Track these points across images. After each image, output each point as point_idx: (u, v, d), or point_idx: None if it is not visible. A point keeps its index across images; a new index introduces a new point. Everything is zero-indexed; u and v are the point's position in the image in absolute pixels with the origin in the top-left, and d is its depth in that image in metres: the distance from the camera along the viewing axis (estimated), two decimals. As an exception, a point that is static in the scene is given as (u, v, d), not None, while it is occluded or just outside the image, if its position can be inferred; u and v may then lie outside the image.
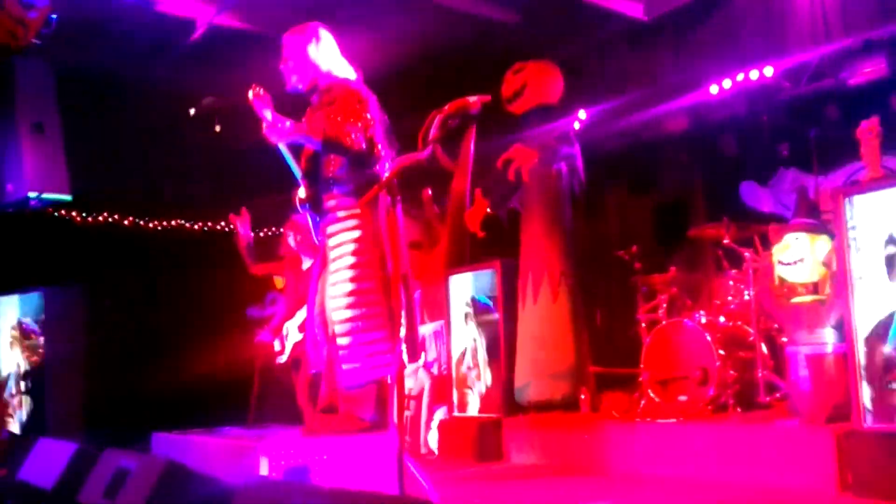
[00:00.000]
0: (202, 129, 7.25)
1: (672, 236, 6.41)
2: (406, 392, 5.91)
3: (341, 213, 3.81)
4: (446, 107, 2.98)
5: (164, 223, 8.94)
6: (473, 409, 5.84)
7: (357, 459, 3.55)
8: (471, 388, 5.89)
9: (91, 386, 7.45)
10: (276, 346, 5.86)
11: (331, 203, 3.84)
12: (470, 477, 4.87)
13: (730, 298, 5.29)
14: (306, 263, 5.70)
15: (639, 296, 5.63)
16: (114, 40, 6.07)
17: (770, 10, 5.74)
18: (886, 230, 3.63)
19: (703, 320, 5.10)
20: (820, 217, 4.76)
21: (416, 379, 6.07)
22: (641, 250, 5.68)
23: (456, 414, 5.91)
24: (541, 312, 5.55)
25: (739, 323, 5.17)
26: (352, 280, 3.71)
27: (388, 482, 3.28)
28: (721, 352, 4.86)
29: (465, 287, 6.04)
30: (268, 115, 3.71)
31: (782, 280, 4.34)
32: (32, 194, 5.40)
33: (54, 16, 5.09)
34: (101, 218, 8.58)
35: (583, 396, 5.35)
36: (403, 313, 3.27)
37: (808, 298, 4.21)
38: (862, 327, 3.67)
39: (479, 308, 5.94)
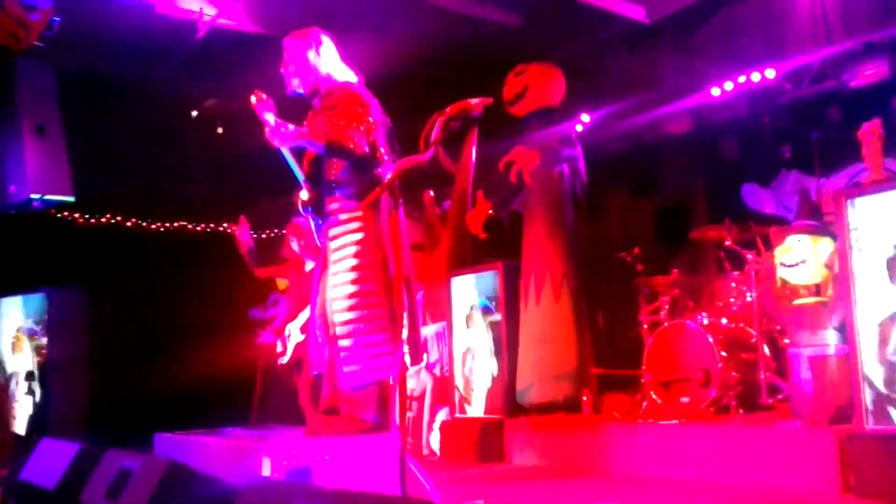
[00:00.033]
0: (204, 131, 7.27)
1: (674, 238, 6.42)
2: (408, 393, 5.91)
3: (343, 216, 3.82)
4: (448, 109, 2.99)
5: (166, 224, 8.96)
6: (478, 409, 5.83)
7: (359, 460, 3.56)
8: (473, 390, 5.89)
9: (93, 386, 7.45)
10: (279, 347, 5.87)
11: (333, 206, 3.85)
12: (471, 478, 4.87)
13: (732, 300, 5.29)
14: (309, 265, 5.70)
15: (641, 297, 5.63)
16: (116, 42, 6.08)
17: (771, 12, 5.74)
18: (889, 232, 3.63)
19: (706, 322, 5.10)
20: (822, 219, 4.76)
21: (418, 380, 6.07)
22: (643, 252, 5.68)
23: (458, 415, 5.92)
24: (543, 314, 5.55)
25: (741, 325, 5.18)
26: (354, 282, 3.72)
27: (390, 483, 3.28)
28: (723, 353, 4.86)
29: (467, 291, 6.03)
30: (270, 119, 3.72)
31: (784, 282, 4.34)
32: (35, 196, 5.41)
33: (56, 18, 5.09)
34: (103, 219, 8.59)
35: (585, 398, 5.35)
36: (406, 315, 3.28)
37: (811, 300, 4.22)
38: (864, 329, 3.67)
39: (482, 311, 5.94)
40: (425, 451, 5.90)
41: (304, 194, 3.87)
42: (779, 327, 4.87)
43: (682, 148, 6.85)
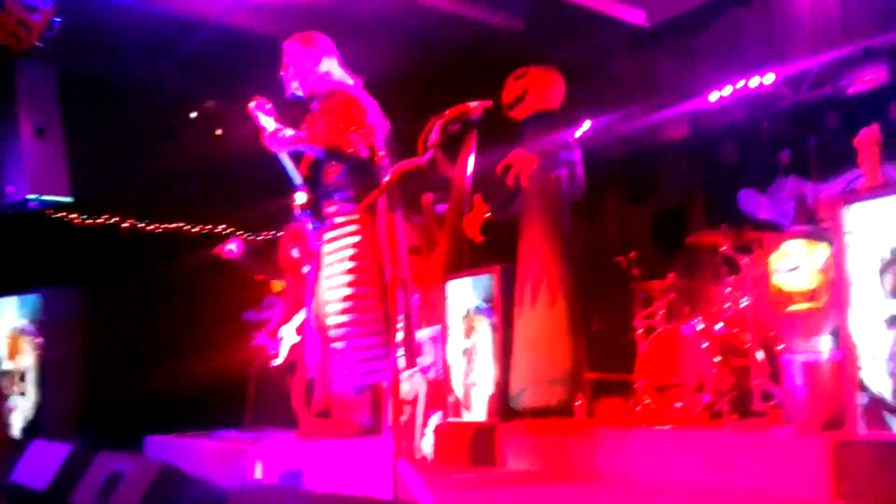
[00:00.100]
0: (203, 132, 7.27)
1: (671, 243, 6.41)
2: (402, 397, 5.91)
3: (340, 219, 3.82)
4: (447, 112, 2.99)
5: (164, 226, 8.95)
6: (480, 415, 5.81)
7: (352, 464, 3.56)
8: (473, 397, 5.88)
9: (87, 388, 7.45)
10: (272, 349, 5.86)
11: (331, 209, 3.86)
12: (464, 482, 4.86)
13: (727, 306, 5.28)
14: (306, 268, 5.70)
15: (636, 302, 5.63)
16: (116, 43, 6.09)
17: (770, 17, 5.75)
18: (885, 239, 3.62)
19: (700, 327, 5.10)
20: (818, 225, 4.76)
21: (411, 384, 6.06)
22: (640, 256, 5.68)
23: (451, 419, 5.91)
24: (538, 317, 5.54)
25: (736, 330, 5.17)
26: (349, 285, 3.73)
27: (383, 487, 3.28)
28: (717, 359, 4.86)
29: (465, 294, 6.03)
30: (268, 124, 3.72)
31: (779, 288, 4.34)
32: (32, 196, 5.42)
33: (57, 18, 5.11)
34: (100, 220, 8.59)
35: (579, 402, 5.34)
36: (401, 318, 3.29)
37: (805, 306, 4.22)
38: (858, 336, 3.66)
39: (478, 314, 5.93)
40: (418, 455, 5.89)
41: (300, 197, 3.88)
42: (773, 333, 4.87)
43: (680, 152, 6.85)
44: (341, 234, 3.80)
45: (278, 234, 6.95)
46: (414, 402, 6.01)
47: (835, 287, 3.88)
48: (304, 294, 4.43)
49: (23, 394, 7.27)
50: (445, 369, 6.04)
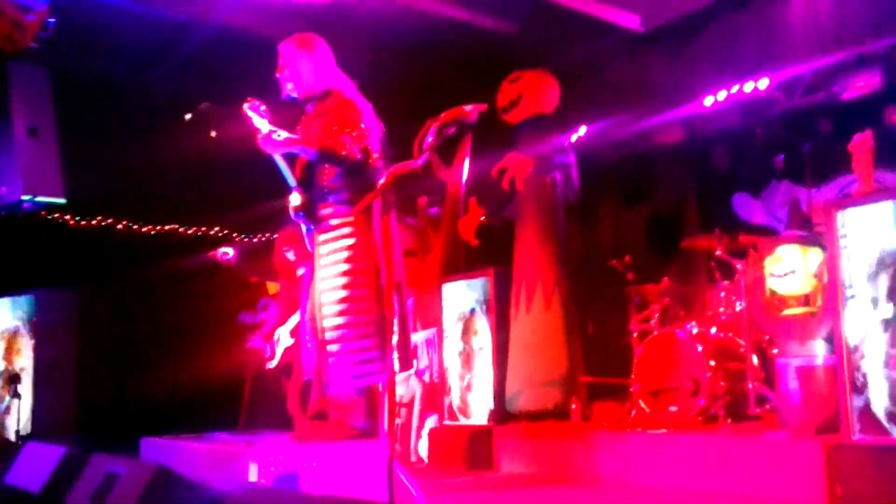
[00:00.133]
0: (197, 134, 7.26)
1: (665, 247, 6.43)
2: (397, 400, 5.90)
3: (335, 221, 3.82)
4: (442, 115, 2.99)
5: (158, 227, 8.93)
6: (481, 419, 5.79)
7: (347, 467, 3.55)
8: (470, 404, 5.87)
9: (81, 390, 7.42)
10: (267, 351, 5.85)
11: (325, 211, 3.85)
12: (460, 486, 4.86)
13: (721, 310, 5.31)
14: (301, 270, 5.69)
15: (631, 306, 5.64)
16: (110, 45, 6.08)
17: (765, 23, 5.76)
18: (877, 244, 3.64)
19: (695, 331, 5.11)
20: (812, 229, 4.78)
21: (407, 387, 6.06)
22: (634, 261, 5.69)
23: (447, 422, 5.91)
24: (533, 321, 5.55)
25: (731, 334, 5.19)
26: (345, 287, 3.72)
27: (378, 490, 3.28)
28: (712, 363, 4.87)
29: (459, 297, 6.02)
30: (262, 126, 3.72)
31: (774, 292, 4.35)
32: (26, 197, 5.40)
33: (51, 19, 5.09)
34: (94, 221, 8.57)
35: (574, 406, 5.35)
36: (396, 321, 3.28)
37: (799, 310, 4.23)
38: (852, 340, 3.68)
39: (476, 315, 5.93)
40: (413, 459, 5.88)
41: (295, 199, 3.87)
42: (768, 337, 4.89)
43: (675, 157, 6.87)
44: (336, 237, 3.80)
45: (273, 237, 6.94)
46: (410, 405, 6.01)
47: (829, 291, 3.90)
48: (298, 296, 4.42)
49: (17, 395, 7.24)
50: (441, 372, 6.04)
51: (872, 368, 3.59)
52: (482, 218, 6.07)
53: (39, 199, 5.47)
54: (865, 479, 3.59)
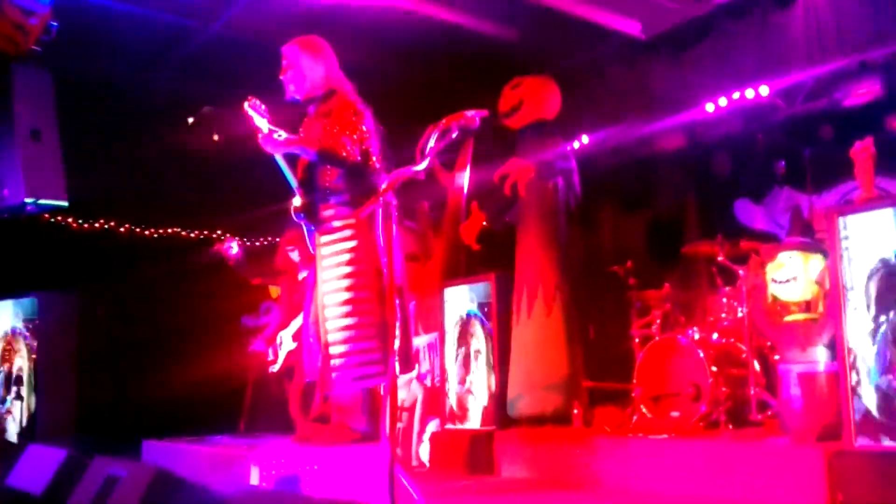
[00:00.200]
0: (200, 137, 7.27)
1: (666, 253, 6.43)
2: (399, 404, 5.90)
3: (337, 223, 3.82)
4: (444, 120, 3.00)
5: (160, 230, 8.94)
6: (474, 421, 5.80)
7: (348, 470, 3.55)
8: (469, 408, 5.87)
9: (82, 392, 7.42)
10: (270, 355, 5.85)
11: (327, 213, 3.86)
12: (461, 490, 4.86)
13: (723, 316, 5.31)
14: (302, 273, 5.70)
15: (633, 311, 5.64)
16: (113, 48, 6.09)
17: (766, 29, 5.77)
18: (879, 250, 3.65)
19: (697, 337, 5.11)
20: (814, 236, 4.78)
21: (408, 391, 6.06)
22: (636, 266, 5.70)
23: (448, 426, 5.90)
24: (535, 326, 5.55)
25: (732, 340, 5.19)
26: (348, 289, 3.73)
27: (379, 494, 3.27)
28: (714, 369, 4.87)
29: (461, 302, 6.03)
30: (263, 125, 3.73)
31: (775, 298, 4.35)
32: (29, 200, 5.40)
33: (54, 23, 5.10)
34: (96, 224, 8.58)
35: (575, 411, 5.34)
36: (398, 325, 3.28)
37: (801, 317, 4.23)
38: (854, 346, 3.68)
39: (473, 319, 5.93)
40: (415, 463, 5.88)
41: (297, 200, 3.88)
42: (769, 343, 4.89)
43: (676, 163, 6.88)
44: (339, 239, 3.81)
45: (274, 240, 6.94)
46: (411, 409, 6.01)
47: (830, 298, 3.90)
48: (300, 300, 4.42)
49: (19, 397, 7.24)
50: (442, 376, 6.04)
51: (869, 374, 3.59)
52: (484, 223, 6.08)
53: (42, 201, 5.47)
54: (866, 485, 3.59)
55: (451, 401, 5.95)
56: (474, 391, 5.81)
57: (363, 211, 3.67)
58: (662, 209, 7.05)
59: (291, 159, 3.90)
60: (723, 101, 6.02)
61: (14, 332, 7.59)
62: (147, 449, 4.54)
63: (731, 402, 4.86)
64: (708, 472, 4.26)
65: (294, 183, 3.89)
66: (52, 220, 7.99)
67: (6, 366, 7.58)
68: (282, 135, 3.75)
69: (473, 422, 5.78)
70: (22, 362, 7.46)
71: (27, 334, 7.46)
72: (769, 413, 4.75)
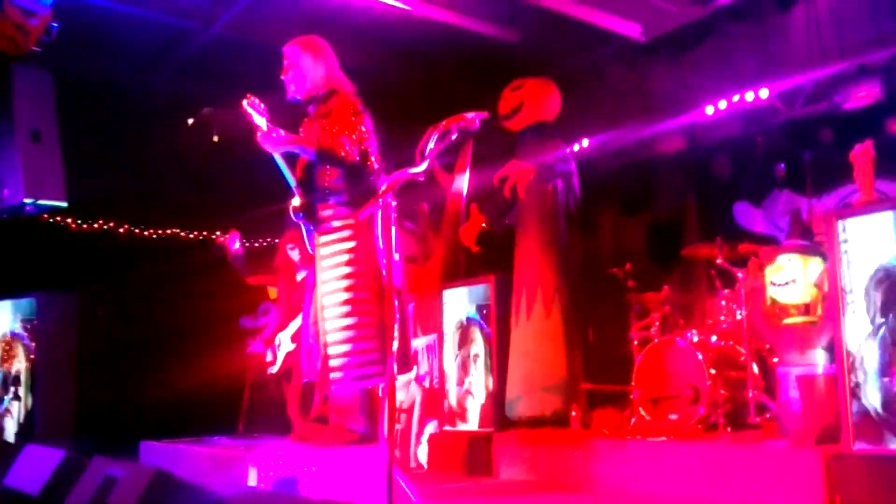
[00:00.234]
0: (199, 138, 7.27)
1: (666, 255, 6.44)
2: (397, 405, 5.90)
3: (336, 223, 3.82)
4: (444, 122, 3.00)
5: (159, 231, 8.95)
6: (473, 422, 5.80)
7: (346, 472, 3.55)
8: (468, 409, 5.86)
9: (81, 392, 7.42)
10: (268, 356, 5.85)
11: (326, 213, 3.86)
12: (459, 492, 4.86)
13: (722, 318, 5.31)
14: (300, 275, 5.70)
15: (632, 314, 5.64)
16: (113, 49, 6.10)
17: (766, 32, 5.79)
18: (878, 254, 3.65)
19: (695, 339, 5.11)
20: (813, 239, 4.78)
21: (407, 392, 6.05)
22: (635, 268, 5.70)
23: (447, 427, 5.90)
24: (533, 328, 5.55)
25: (731, 343, 5.19)
26: (347, 290, 3.73)
27: (377, 495, 3.27)
28: (712, 371, 4.87)
29: (460, 303, 6.03)
30: (262, 124, 3.73)
31: (774, 301, 4.35)
32: (28, 200, 5.41)
33: (55, 24, 5.10)
34: (95, 225, 8.58)
35: (574, 413, 5.34)
36: (396, 326, 3.28)
37: (800, 319, 4.23)
38: (852, 349, 3.68)
39: (472, 324, 5.93)
40: (413, 464, 5.88)
41: (296, 200, 3.88)
42: (768, 346, 4.89)
43: (676, 165, 6.88)
44: (338, 239, 3.81)
45: (273, 241, 6.94)
46: (409, 410, 6.00)
47: (829, 301, 3.90)
48: (299, 301, 4.42)
49: (17, 398, 7.24)
50: (441, 378, 6.04)
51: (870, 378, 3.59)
52: (483, 224, 6.08)
53: (41, 202, 5.48)
54: (865, 488, 3.58)
55: (450, 402, 5.95)
56: (473, 392, 5.81)
57: (362, 212, 3.67)
58: (662, 211, 7.05)
59: (290, 159, 3.90)
60: (722, 104, 6.02)
61: (13, 332, 7.59)
62: (145, 449, 4.54)
63: (730, 404, 4.86)
64: (706, 474, 4.26)
65: (293, 183, 3.88)
66: (52, 220, 8.00)
67: (5, 366, 7.58)
68: (280, 133, 3.75)
69: (472, 423, 5.78)
70: (20, 363, 7.46)
71: (25, 335, 7.46)
72: (768, 416, 4.75)
